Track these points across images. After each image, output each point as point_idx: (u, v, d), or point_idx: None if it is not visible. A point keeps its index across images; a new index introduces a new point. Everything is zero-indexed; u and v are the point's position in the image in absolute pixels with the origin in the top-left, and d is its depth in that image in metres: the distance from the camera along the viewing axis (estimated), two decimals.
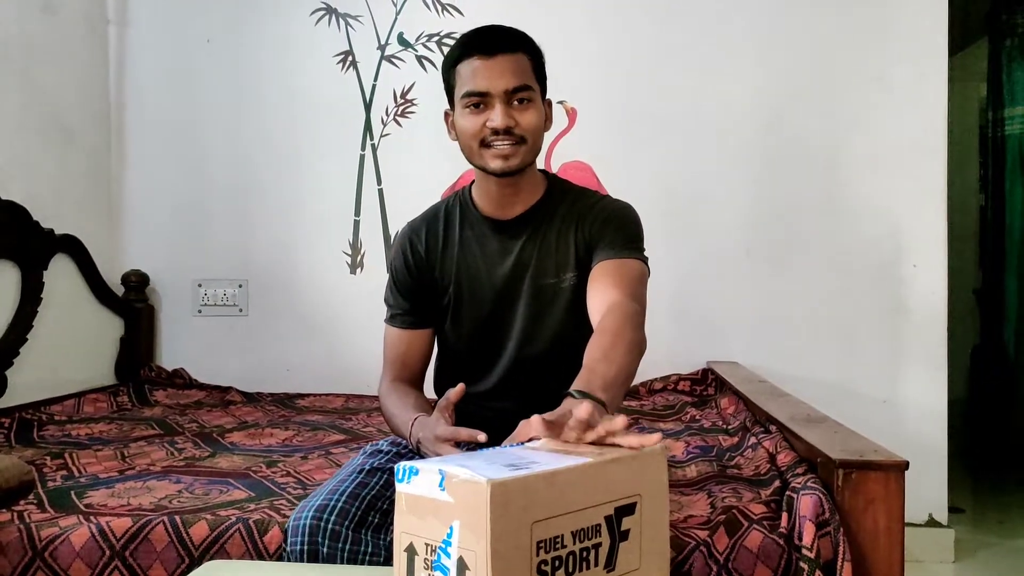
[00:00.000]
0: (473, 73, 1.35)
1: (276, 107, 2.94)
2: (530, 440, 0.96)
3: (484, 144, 1.37)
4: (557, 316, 1.47)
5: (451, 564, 0.80)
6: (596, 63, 2.80)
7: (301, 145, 2.93)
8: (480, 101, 1.35)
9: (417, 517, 0.84)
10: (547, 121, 1.44)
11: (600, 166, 2.78)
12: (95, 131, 2.92)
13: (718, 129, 2.77)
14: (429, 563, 0.82)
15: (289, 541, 1.24)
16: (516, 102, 1.35)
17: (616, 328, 1.24)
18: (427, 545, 0.82)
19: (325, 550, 1.21)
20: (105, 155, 2.97)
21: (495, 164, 1.37)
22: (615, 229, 1.44)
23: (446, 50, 2.79)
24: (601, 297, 1.34)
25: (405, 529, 0.85)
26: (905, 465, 1.27)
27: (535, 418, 0.97)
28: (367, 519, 1.26)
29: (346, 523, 1.23)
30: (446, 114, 1.45)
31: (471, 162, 1.42)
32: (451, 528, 0.80)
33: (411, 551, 0.84)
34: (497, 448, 0.95)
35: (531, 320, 1.47)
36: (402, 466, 0.86)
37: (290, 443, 2.13)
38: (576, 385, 1.09)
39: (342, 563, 1.21)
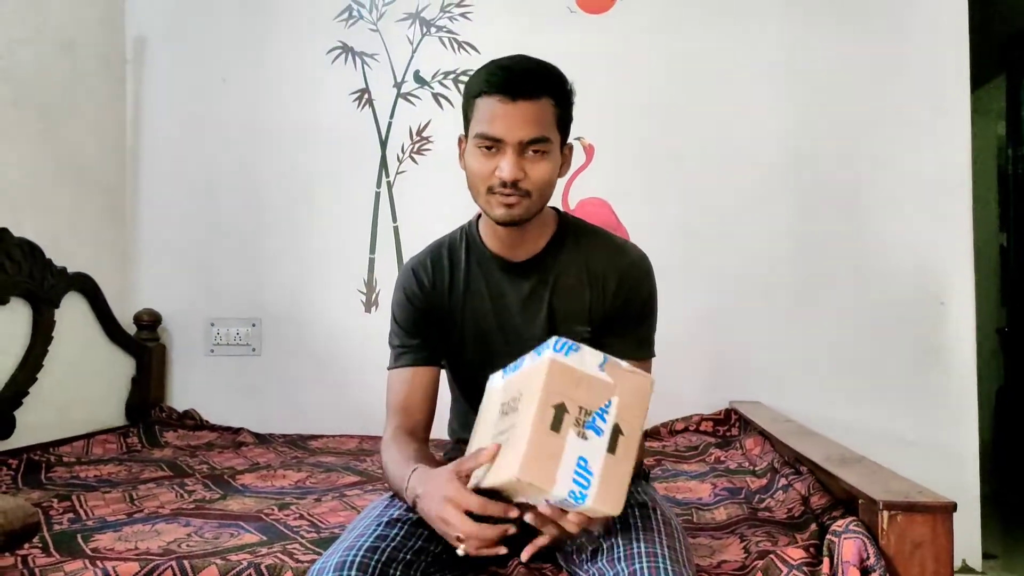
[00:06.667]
0: (491, 115, 1.28)
1: (291, 145, 2.93)
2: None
3: (490, 191, 1.32)
4: None
5: (606, 428, 1.03)
6: (613, 99, 2.78)
7: (316, 183, 2.92)
8: (493, 145, 1.29)
9: (571, 383, 1.03)
10: (564, 166, 1.39)
11: (619, 203, 2.76)
12: (110, 169, 2.91)
13: (738, 166, 2.74)
14: (581, 422, 1.02)
15: None
16: (530, 152, 1.29)
17: None
18: (581, 408, 1.02)
19: None
20: (120, 193, 2.96)
21: (498, 212, 1.32)
22: (638, 320, 1.39)
23: (463, 87, 2.81)
24: None
25: (555, 390, 1.02)
26: (953, 507, 1.21)
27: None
28: (387, 573, 1.15)
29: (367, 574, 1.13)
30: (460, 139, 1.41)
31: (475, 201, 1.37)
32: (609, 401, 1.03)
33: (561, 408, 1.02)
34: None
35: None
36: (563, 341, 1.06)
37: (303, 485, 2.07)
38: None
39: None
